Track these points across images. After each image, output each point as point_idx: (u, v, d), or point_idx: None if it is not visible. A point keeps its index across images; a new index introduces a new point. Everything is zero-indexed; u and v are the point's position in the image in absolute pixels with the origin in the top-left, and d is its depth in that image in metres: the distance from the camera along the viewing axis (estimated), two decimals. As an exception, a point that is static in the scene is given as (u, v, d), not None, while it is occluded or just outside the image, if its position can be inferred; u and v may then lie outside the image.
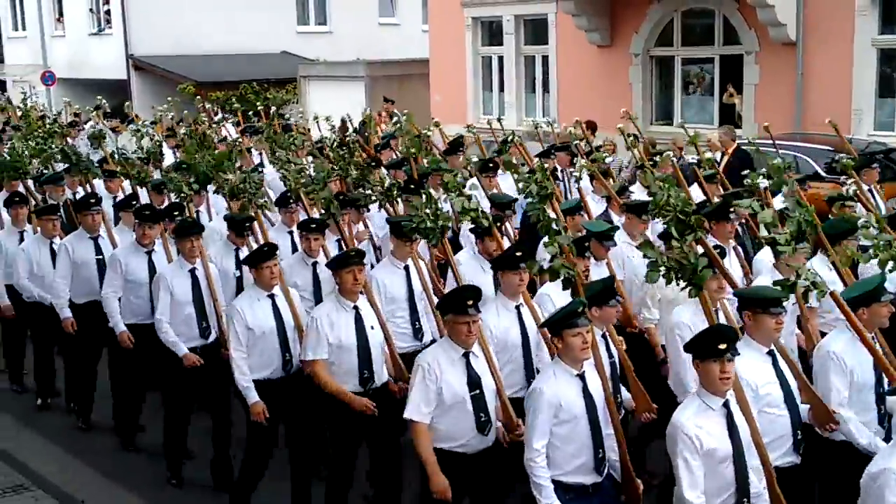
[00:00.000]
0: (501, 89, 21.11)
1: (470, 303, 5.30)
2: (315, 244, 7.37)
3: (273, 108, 17.69)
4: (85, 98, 22.55)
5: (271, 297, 6.62)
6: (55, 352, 9.11)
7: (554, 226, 5.77)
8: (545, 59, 20.11)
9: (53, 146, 10.47)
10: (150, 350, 7.43)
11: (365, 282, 6.37)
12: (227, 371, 6.86)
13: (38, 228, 8.91)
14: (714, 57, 17.56)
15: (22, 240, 8.99)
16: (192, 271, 7.27)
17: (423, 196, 6.56)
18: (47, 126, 11.95)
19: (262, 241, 7.54)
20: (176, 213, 8.16)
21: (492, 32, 21.30)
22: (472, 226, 7.01)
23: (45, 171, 10.29)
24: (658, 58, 18.27)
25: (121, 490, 7.37)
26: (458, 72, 21.36)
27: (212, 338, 7.30)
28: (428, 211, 6.34)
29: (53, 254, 8.54)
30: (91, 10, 30.87)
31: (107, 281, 7.78)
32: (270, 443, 6.66)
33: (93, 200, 8.43)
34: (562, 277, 5.44)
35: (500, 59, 21.00)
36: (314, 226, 7.39)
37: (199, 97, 15.92)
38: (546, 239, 5.69)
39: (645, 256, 5.14)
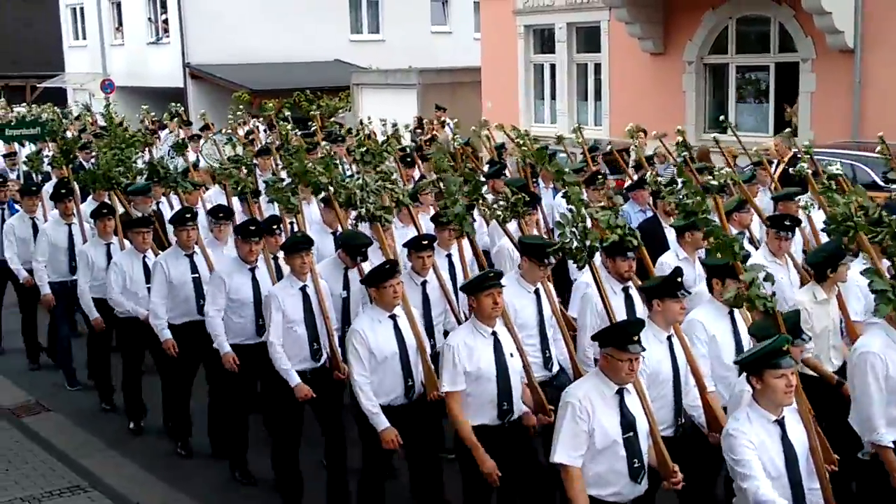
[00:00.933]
0: (553, 97, 21.07)
1: (635, 338, 4.82)
2: (428, 261, 6.89)
3: (360, 120, 16.80)
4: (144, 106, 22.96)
5: (393, 318, 6.15)
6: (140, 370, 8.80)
7: (737, 248, 5.07)
8: (597, 66, 20.03)
9: (135, 156, 10.18)
10: (254, 372, 7.18)
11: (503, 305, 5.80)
12: (338, 395, 6.87)
13: (129, 241, 8.57)
14: (769, 65, 17.34)
15: (109, 252, 8.79)
16: (304, 289, 6.81)
17: (572, 211, 5.74)
18: (130, 135, 11.54)
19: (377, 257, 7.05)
20: (275, 226, 7.77)
21: (544, 40, 21.28)
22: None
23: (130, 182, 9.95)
24: (712, 65, 18.10)
25: (176, 493, 7.43)
26: (509, 80, 21.38)
27: (323, 359, 6.88)
28: (575, 229, 5.52)
29: (146, 268, 8.22)
30: (149, 19, 31.48)
31: (209, 300, 7.38)
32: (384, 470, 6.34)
33: (188, 215, 7.94)
34: (760, 309, 4.82)
35: (553, 66, 20.96)
36: (425, 242, 6.90)
37: (271, 105, 15.75)
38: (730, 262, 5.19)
39: (870, 286, 4.74)
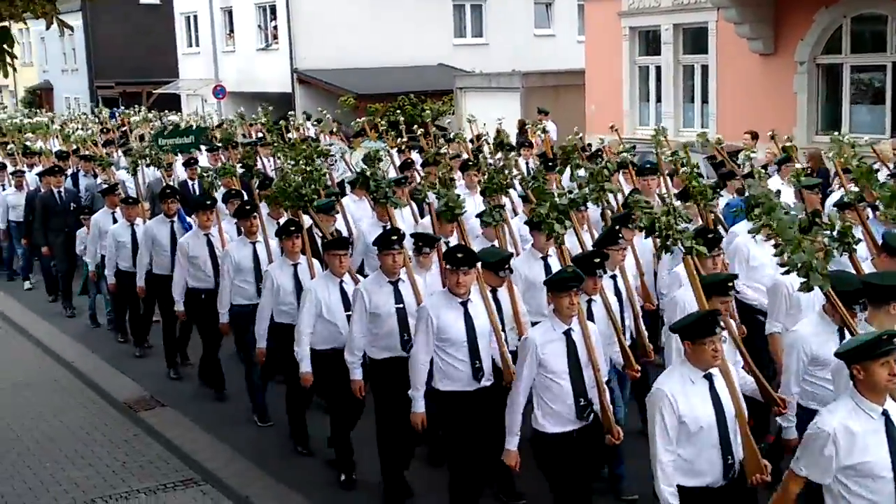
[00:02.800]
0: (658, 100, 20.77)
1: None
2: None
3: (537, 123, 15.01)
4: (251, 111, 23.56)
5: (708, 377, 5.02)
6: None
7: None
8: (704, 68, 19.66)
9: (320, 168, 9.16)
10: (472, 421, 6.34)
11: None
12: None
13: (319, 263, 7.95)
14: (886, 64, 16.72)
15: (296, 274, 8.05)
16: (568, 333, 5.78)
17: None
18: (311, 145, 10.57)
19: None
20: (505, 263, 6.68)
21: (649, 42, 21.01)
22: None
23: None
24: (825, 66, 17.57)
25: (286, 490, 7.57)
26: (614, 82, 21.17)
27: (591, 418, 5.88)
28: None
29: (343, 295, 7.40)
30: (259, 26, 32.29)
31: (419, 340, 6.34)
32: None
33: (395, 237, 6.97)
34: None
35: (658, 68, 20.68)
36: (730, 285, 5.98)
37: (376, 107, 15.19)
38: None
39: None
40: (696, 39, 19.92)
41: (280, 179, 8.78)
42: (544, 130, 14.67)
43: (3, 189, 15.03)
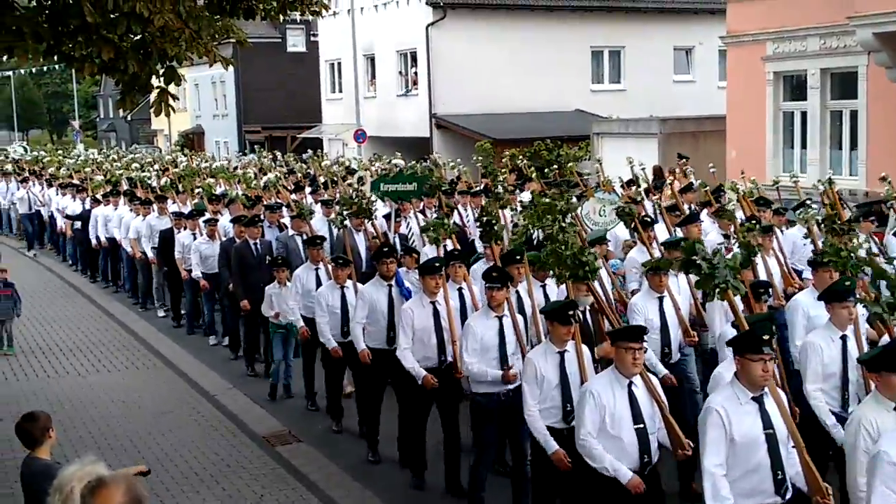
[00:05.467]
0: (804, 146, 20.15)
1: None
2: None
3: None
4: (389, 155, 24.03)
5: (758, 399, 5.21)
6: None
7: None
8: (853, 113, 18.99)
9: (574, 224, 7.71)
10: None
11: None
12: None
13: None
14: None
15: (562, 364, 6.77)
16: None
17: None
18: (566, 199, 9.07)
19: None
20: None
21: (793, 87, 20.46)
22: None
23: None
24: None
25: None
26: (756, 128, 20.67)
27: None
28: None
29: (632, 400, 6.04)
30: (400, 72, 33.09)
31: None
32: None
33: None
34: None
35: (804, 114, 20.09)
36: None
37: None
38: None
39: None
40: (844, 84, 19.28)
41: (526, 235, 7.71)
42: (685, 175, 14.46)
43: (195, 238, 13.84)
